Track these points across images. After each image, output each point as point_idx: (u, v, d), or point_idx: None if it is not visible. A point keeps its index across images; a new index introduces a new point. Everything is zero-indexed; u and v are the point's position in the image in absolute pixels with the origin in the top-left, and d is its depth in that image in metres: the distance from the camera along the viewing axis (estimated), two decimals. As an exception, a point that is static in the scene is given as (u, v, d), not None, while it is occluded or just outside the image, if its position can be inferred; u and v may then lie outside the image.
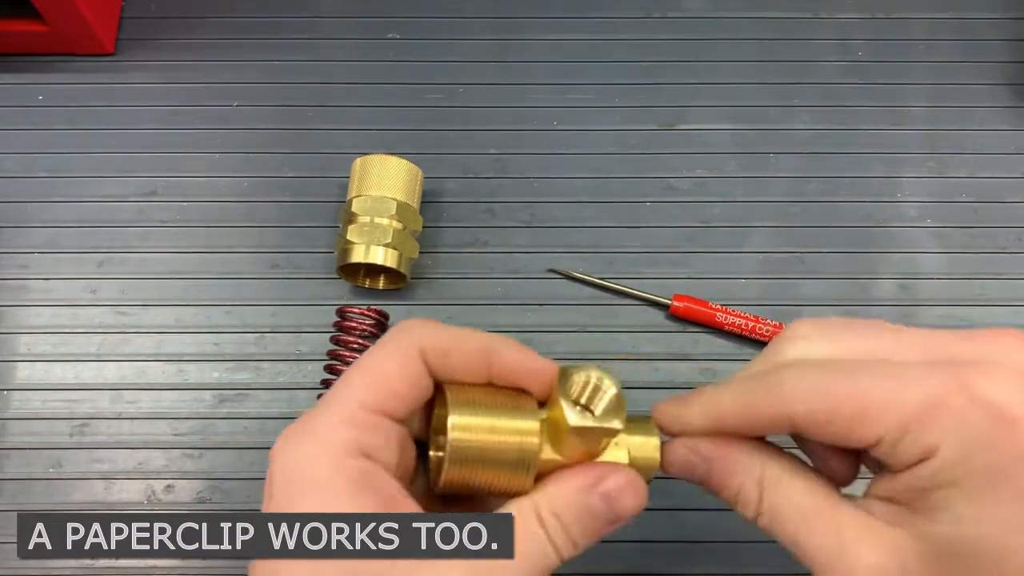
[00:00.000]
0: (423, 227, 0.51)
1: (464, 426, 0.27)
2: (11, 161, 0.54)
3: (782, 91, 0.56)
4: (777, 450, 0.28)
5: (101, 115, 0.55)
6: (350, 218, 0.49)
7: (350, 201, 0.49)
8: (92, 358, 0.50)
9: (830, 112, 0.56)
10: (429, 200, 0.53)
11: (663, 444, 0.30)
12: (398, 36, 0.58)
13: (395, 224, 0.48)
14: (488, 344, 0.28)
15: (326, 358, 0.49)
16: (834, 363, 0.25)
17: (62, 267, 0.52)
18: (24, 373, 0.50)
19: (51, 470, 0.48)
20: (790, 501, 0.27)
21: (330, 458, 0.25)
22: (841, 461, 0.29)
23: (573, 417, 0.28)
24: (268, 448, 0.48)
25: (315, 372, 0.49)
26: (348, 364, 0.48)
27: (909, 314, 0.51)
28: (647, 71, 0.57)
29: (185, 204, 0.53)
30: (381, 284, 0.52)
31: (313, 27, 0.58)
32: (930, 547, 0.24)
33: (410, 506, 0.27)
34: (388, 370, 0.26)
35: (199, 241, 0.53)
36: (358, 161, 0.50)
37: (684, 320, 0.51)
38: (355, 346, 0.48)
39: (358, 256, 0.48)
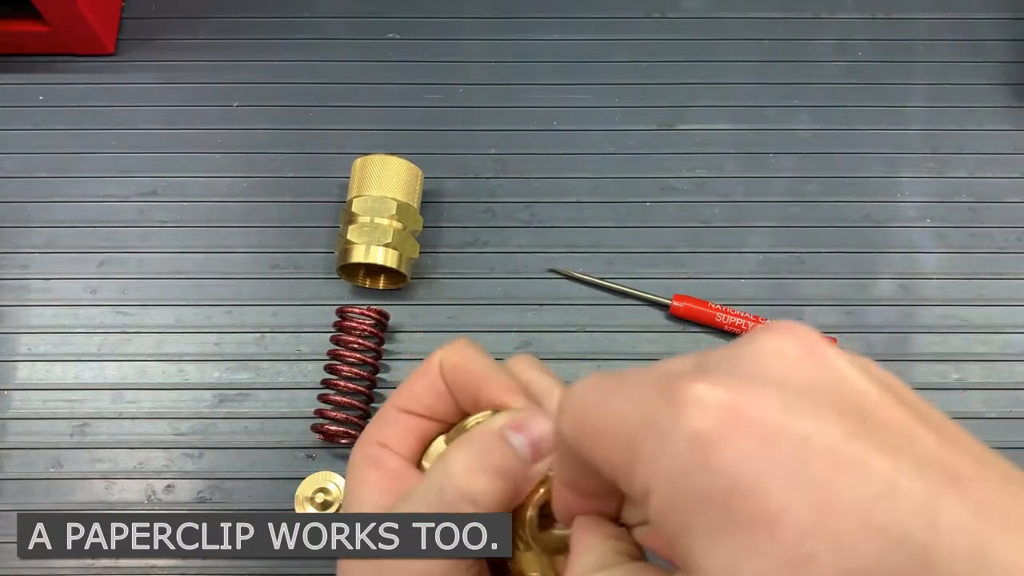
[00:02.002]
0: (423, 227, 0.51)
1: None
2: (11, 161, 0.54)
3: (782, 91, 0.56)
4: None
5: (101, 115, 0.55)
6: (350, 218, 0.49)
7: (350, 201, 0.49)
8: (92, 358, 0.50)
9: (830, 112, 0.56)
10: (429, 200, 0.53)
11: None
12: (398, 36, 0.58)
13: (395, 224, 0.48)
14: (486, 371, 0.29)
15: (326, 358, 0.49)
16: (619, 376, 0.21)
17: (62, 267, 0.52)
18: (24, 373, 0.50)
19: (51, 470, 0.48)
20: None
21: (359, 447, 0.30)
22: None
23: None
24: (268, 448, 0.48)
25: (315, 372, 0.49)
26: (348, 364, 0.48)
27: (909, 314, 0.51)
28: (647, 71, 0.57)
29: (185, 204, 0.53)
30: (381, 284, 0.52)
31: (313, 27, 0.58)
32: None
33: (412, 478, 0.29)
34: (414, 376, 0.30)
35: (199, 241, 0.53)
36: (358, 161, 0.50)
37: (684, 320, 0.51)
38: (355, 346, 0.48)
39: (358, 256, 0.48)
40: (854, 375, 0.18)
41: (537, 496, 0.26)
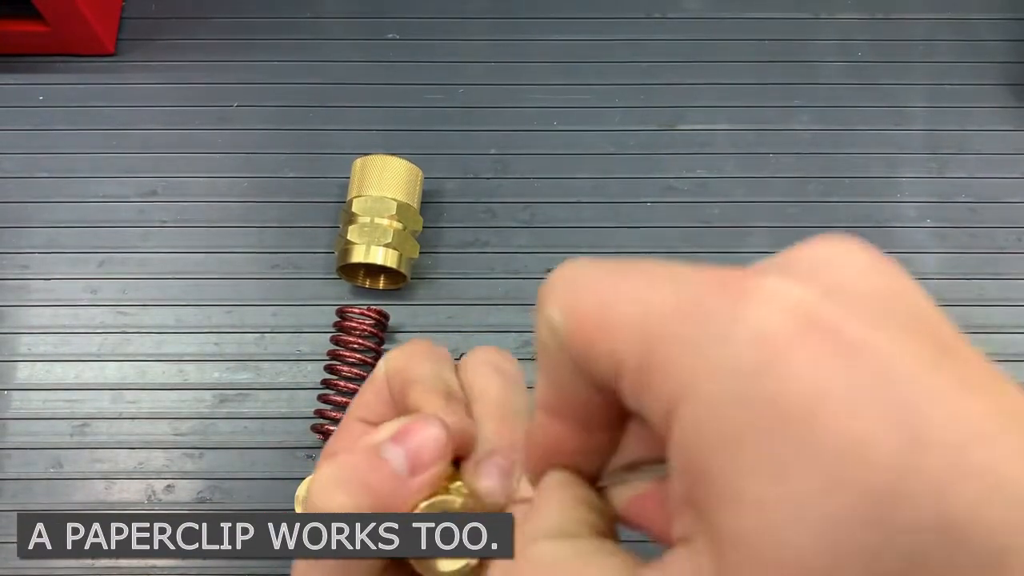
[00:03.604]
0: (423, 227, 0.51)
1: None
2: (11, 161, 0.54)
3: (782, 91, 0.56)
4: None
5: (101, 115, 0.55)
6: (350, 218, 0.49)
7: (350, 201, 0.49)
8: (93, 358, 0.50)
9: (830, 112, 0.56)
10: (429, 200, 0.53)
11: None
12: (398, 36, 0.58)
13: (395, 224, 0.48)
14: (416, 373, 0.27)
15: (326, 358, 0.49)
16: (611, 264, 0.17)
17: (63, 267, 0.52)
18: (24, 373, 0.50)
19: (51, 470, 0.48)
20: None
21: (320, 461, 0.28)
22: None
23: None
24: (268, 448, 0.48)
25: (315, 372, 0.49)
26: (348, 364, 0.48)
27: (909, 314, 0.51)
28: (647, 71, 0.57)
29: (185, 204, 0.53)
30: (381, 284, 0.52)
31: (313, 27, 0.58)
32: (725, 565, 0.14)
33: None
34: (365, 383, 0.29)
35: (199, 241, 0.53)
36: (358, 161, 0.50)
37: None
38: (355, 346, 0.48)
39: (358, 256, 0.48)
40: (927, 300, 0.16)
41: (424, 505, 0.25)
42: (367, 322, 0.48)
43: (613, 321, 0.16)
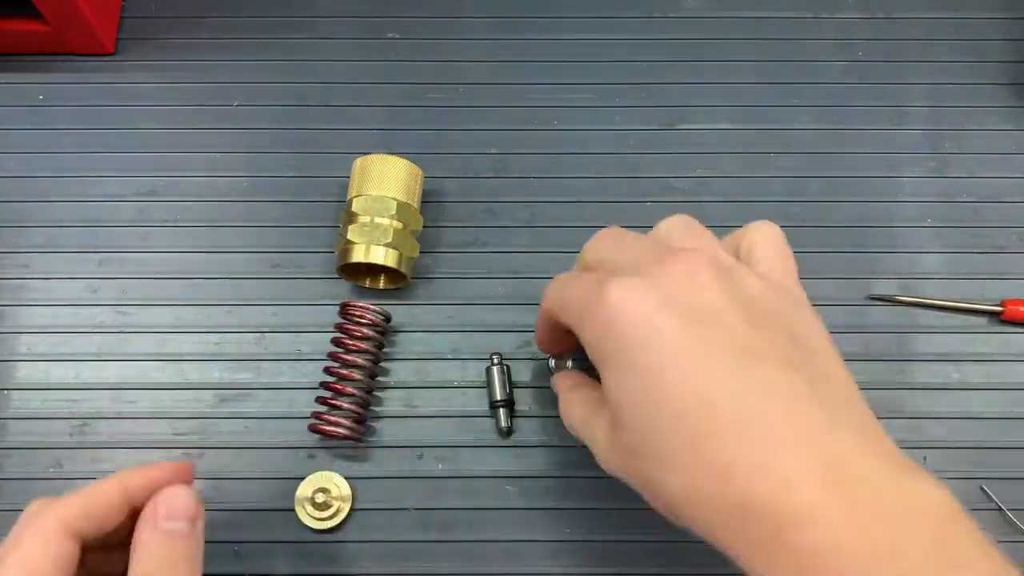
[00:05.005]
0: (423, 227, 0.51)
1: None
2: (11, 161, 0.54)
3: (782, 91, 0.56)
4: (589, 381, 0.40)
5: (101, 115, 0.55)
6: (350, 218, 0.49)
7: (350, 201, 0.49)
8: (92, 358, 0.50)
9: (830, 112, 0.56)
10: (429, 200, 0.53)
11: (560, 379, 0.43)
12: (398, 36, 0.58)
13: (395, 224, 0.48)
14: (119, 480, 0.34)
15: (326, 358, 0.49)
16: (566, 276, 0.38)
17: (62, 266, 0.52)
18: (24, 373, 0.50)
19: (51, 470, 0.48)
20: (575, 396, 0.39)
21: None
22: None
23: None
24: (269, 448, 0.48)
25: (315, 372, 0.49)
26: (348, 366, 0.48)
27: (911, 314, 0.51)
28: (647, 71, 0.57)
29: (185, 204, 0.53)
30: (381, 284, 0.52)
31: (313, 27, 0.58)
32: (611, 412, 0.33)
33: None
34: (34, 557, 0.31)
35: (199, 241, 0.53)
36: (358, 161, 0.50)
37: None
38: (354, 348, 0.48)
39: (358, 256, 0.48)
40: (714, 298, 0.31)
41: None
42: (369, 315, 0.48)
43: (564, 309, 0.36)
